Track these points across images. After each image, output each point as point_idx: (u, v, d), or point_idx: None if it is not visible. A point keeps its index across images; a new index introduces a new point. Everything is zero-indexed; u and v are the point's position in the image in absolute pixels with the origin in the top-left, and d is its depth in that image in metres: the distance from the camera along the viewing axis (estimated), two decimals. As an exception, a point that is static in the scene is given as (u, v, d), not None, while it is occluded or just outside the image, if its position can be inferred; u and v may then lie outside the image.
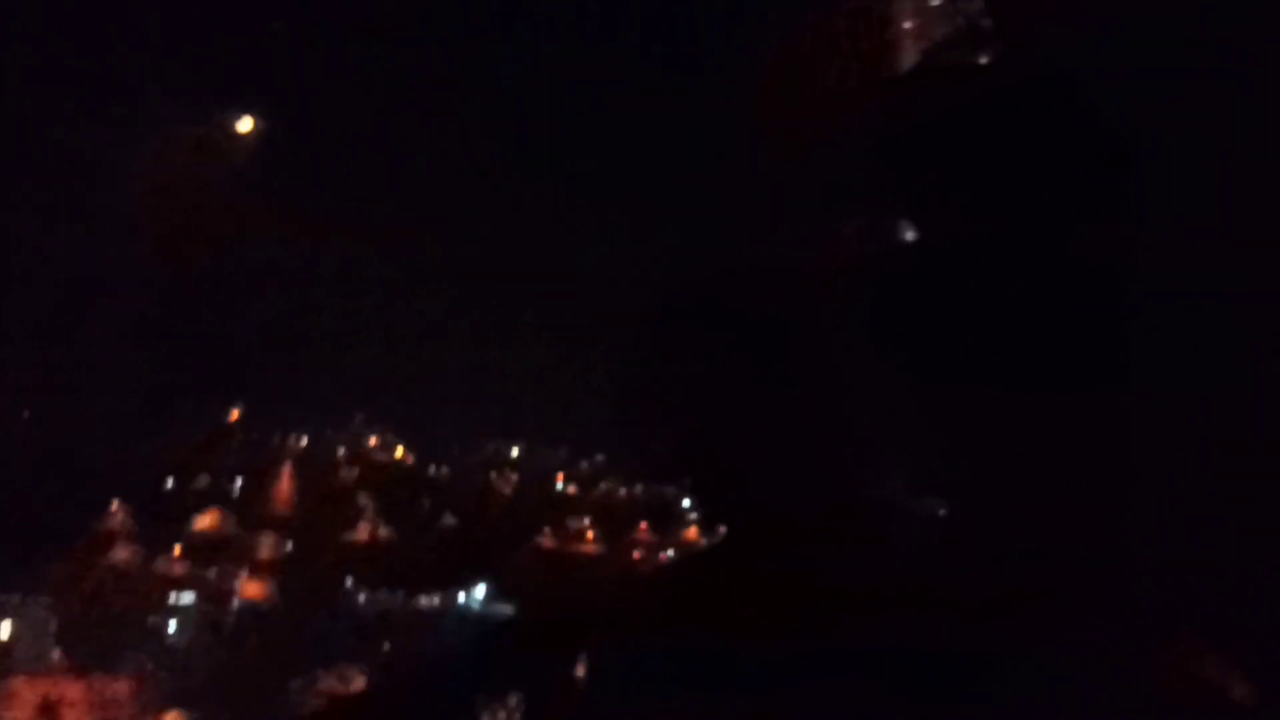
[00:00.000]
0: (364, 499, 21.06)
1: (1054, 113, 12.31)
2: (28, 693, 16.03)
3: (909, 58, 13.09)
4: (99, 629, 17.34)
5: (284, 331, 19.38)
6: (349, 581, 19.42)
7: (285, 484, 20.31)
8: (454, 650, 19.02)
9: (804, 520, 15.32)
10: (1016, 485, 13.29)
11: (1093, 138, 12.10)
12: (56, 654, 16.82)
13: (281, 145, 19.08)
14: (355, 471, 21.22)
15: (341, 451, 21.29)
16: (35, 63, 17.42)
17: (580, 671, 16.31)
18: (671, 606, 16.93)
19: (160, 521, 18.91)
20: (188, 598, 18.26)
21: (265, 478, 20.40)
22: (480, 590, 19.60)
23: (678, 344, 17.70)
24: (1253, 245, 11.51)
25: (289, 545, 19.67)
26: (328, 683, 17.63)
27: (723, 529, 17.51)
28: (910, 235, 13.30)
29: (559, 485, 21.93)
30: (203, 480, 19.96)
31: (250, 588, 18.92)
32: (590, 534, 21.21)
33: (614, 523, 21.38)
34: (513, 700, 16.50)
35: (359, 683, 17.69)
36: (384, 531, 20.63)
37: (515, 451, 22.12)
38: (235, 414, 20.02)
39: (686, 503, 20.89)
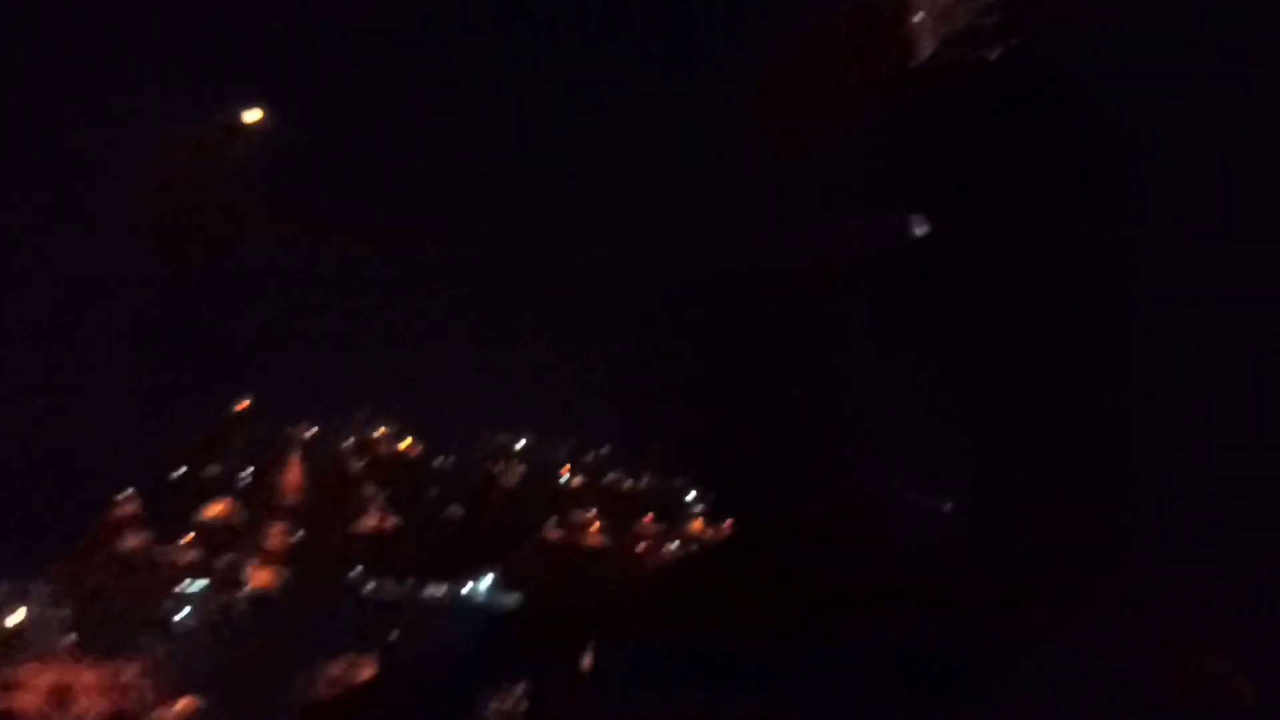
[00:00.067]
0: (371, 489, 21.14)
1: (1054, 113, 12.31)
2: (38, 679, 16.20)
3: (925, 48, 13.01)
4: (109, 616, 17.47)
5: (288, 328, 19.38)
6: (357, 570, 19.55)
7: (294, 474, 20.40)
8: (460, 638, 19.20)
9: (804, 519, 15.33)
10: (1017, 485, 13.30)
11: (1093, 138, 12.12)
12: (66, 640, 16.98)
13: (282, 144, 19.01)
14: (362, 462, 21.29)
15: (349, 442, 21.36)
16: (35, 63, 17.38)
17: (585, 661, 16.40)
18: (676, 599, 17.01)
19: (170, 510, 19.03)
20: (198, 585, 18.38)
21: (274, 468, 20.50)
22: (486, 580, 19.69)
23: (681, 341, 17.67)
24: (1252, 245, 11.48)
25: (298, 534, 19.80)
26: (336, 669, 17.77)
27: (728, 524, 17.59)
28: (910, 235, 13.28)
29: (564, 477, 21.97)
30: (212, 470, 20.07)
31: (259, 576, 19.03)
32: (595, 526, 21.25)
33: (619, 515, 21.43)
34: (518, 688, 16.61)
35: (367, 669, 17.86)
36: (391, 521, 20.71)
37: (521, 443, 22.17)
38: (244, 405, 20.08)
39: (692, 496, 20.98)
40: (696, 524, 21.54)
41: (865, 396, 16.23)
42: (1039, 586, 13.41)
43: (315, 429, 20.79)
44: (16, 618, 16.94)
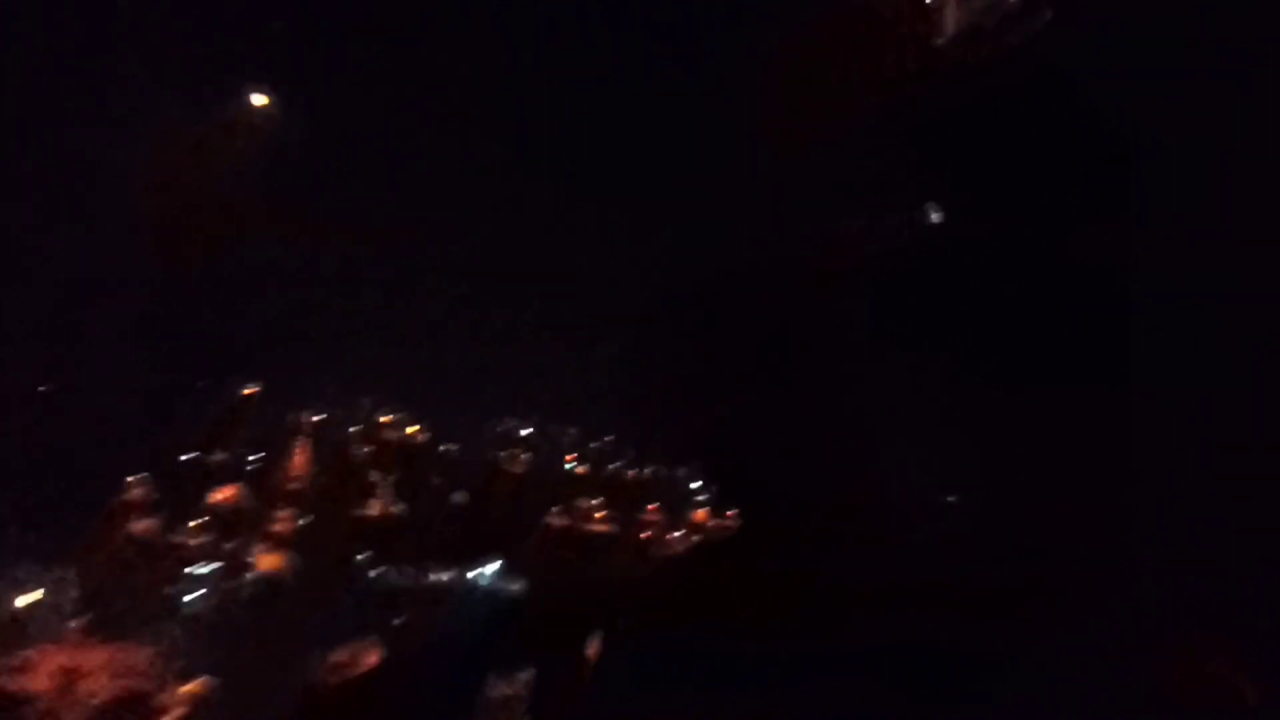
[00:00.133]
0: (377, 476, 21.28)
1: (1054, 113, 12.29)
2: (48, 662, 16.34)
3: (948, 29, 12.93)
4: (119, 599, 17.61)
5: (289, 327, 19.42)
6: (363, 556, 19.71)
7: (301, 461, 20.53)
8: (465, 625, 19.27)
9: (804, 518, 15.29)
10: (1018, 484, 13.28)
11: (1093, 138, 12.11)
12: (76, 623, 17.13)
13: (282, 144, 19.03)
14: (368, 449, 21.40)
15: (355, 429, 21.49)
16: (35, 62, 17.37)
17: (590, 649, 16.40)
18: (678, 596, 16.96)
19: (180, 495, 19.19)
20: (206, 570, 18.54)
21: (281, 454, 20.64)
22: (491, 567, 19.80)
23: (682, 340, 17.58)
24: (1252, 245, 11.46)
25: (305, 520, 19.98)
26: (342, 654, 17.91)
27: (731, 514, 17.55)
28: (924, 224, 13.22)
29: (569, 465, 22.08)
30: (221, 456, 20.22)
31: (267, 560, 19.20)
32: (600, 514, 21.36)
33: (624, 503, 21.54)
34: (523, 674, 16.69)
35: (373, 654, 17.99)
36: (396, 508, 20.86)
37: (526, 431, 22.28)
38: (252, 392, 20.22)
39: (696, 485, 21.12)
40: (701, 513, 21.65)
41: (864, 396, 16.26)
42: (1039, 586, 13.44)
43: (323, 416, 20.95)
44: (27, 601, 17.07)
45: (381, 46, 19.11)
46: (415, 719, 16.94)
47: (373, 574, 19.44)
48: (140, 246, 18.67)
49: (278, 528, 19.48)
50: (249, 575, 18.86)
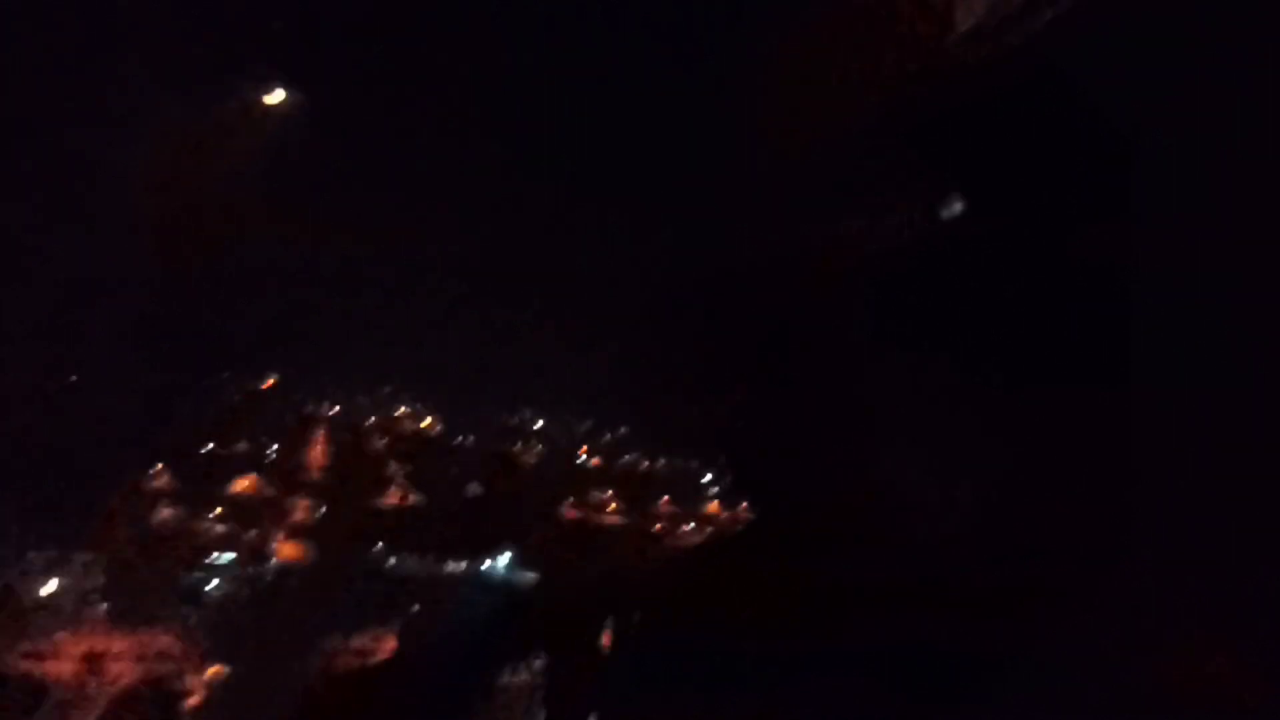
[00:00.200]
0: (393, 467, 21.58)
1: (1054, 113, 12.28)
2: (71, 647, 16.63)
3: (963, 22, 12.86)
4: (140, 586, 17.88)
5: (289, 326, 19.50)
6: (379, 545, 19.95)
7: (319, 451, 20.82)
8: (479, 614, 19.39)
9: (803, 517, 15.30)
10: (1018, 484, 13.26)
11: (1093, 138, 12.09)
12: (99, 610, 17.41)
13: (282, 144, 19.07)
14: (385, 440, 21.68)
15: (372, 420, 21.78)
16: (35, 62, 17.39)
17: (603, 638, 16.53)
18: (681, 593, 16.98)
19: (199, 485, 19.49)
20: (226, 558, 18.86)
21: (300, 445, 20.94)
22: (504, 557, 20.03)
23: (684, 340, 17.61)
24: (1252, 245, 11.44)
25: (322, 509, 20.26)
26: (359, 641, 18.19)
27: (743, 506, 17.60)
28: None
29: (582, 457, 22.28)
30: (240, 446, 20.53)
31: (285, 549, 19.49)
32: (612, 505, 21.57)
33: (636, 495, 21.75)
34: (536, 662, 16.87)
35: (389, 642, 18.23)
36: (412, 498, 21.16)
37: (539, 423, 22.51)
38: (270, 383, 20.49)
39: (708, 477, 21.31)
40: (712, 505, 21.83)
41: (864, 396, 16.29)
42: (1039, 586, 13.45)
43: (340, 407, 21.19)
44: (50, 588, 17.30)
45: (381, 46, 19.16)
46: (427, 707, 17.08)
47: (389, 563, 19.71)
48: (140, 246, 18.70)
49: (296, 517, 19.78)
50: (268, 564, 19.14)
